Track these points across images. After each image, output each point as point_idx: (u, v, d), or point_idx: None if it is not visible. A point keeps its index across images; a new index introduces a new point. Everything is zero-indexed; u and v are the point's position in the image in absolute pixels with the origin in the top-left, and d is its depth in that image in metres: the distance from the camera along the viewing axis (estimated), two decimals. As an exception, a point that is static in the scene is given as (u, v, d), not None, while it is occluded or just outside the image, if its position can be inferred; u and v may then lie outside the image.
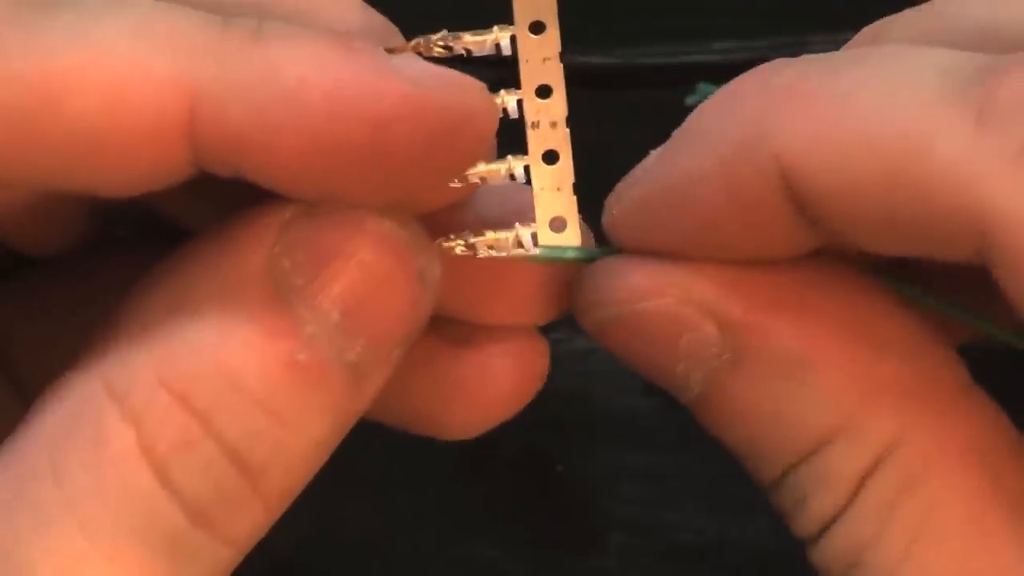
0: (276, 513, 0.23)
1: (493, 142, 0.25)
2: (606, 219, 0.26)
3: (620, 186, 0.26)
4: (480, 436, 0.28)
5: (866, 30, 0.26)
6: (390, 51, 0.23)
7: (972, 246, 0.21)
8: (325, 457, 0.24)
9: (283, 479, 0.23)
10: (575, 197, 0.26)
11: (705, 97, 0.50)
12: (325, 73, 0.21)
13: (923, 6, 0.25)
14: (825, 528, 0.24)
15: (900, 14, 0.26)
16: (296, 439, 0.23)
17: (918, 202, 0.21)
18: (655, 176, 0.25)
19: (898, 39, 0.25)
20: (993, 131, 0.20)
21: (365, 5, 0.25)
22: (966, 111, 0.21)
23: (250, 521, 0.23)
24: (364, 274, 0.23)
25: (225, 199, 0.24)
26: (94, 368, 0.22)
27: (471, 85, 0.23)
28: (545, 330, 0.28)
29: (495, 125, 0.23)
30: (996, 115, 0.21)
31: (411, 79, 0.22)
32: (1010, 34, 0.24)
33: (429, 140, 0.22)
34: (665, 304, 0.25)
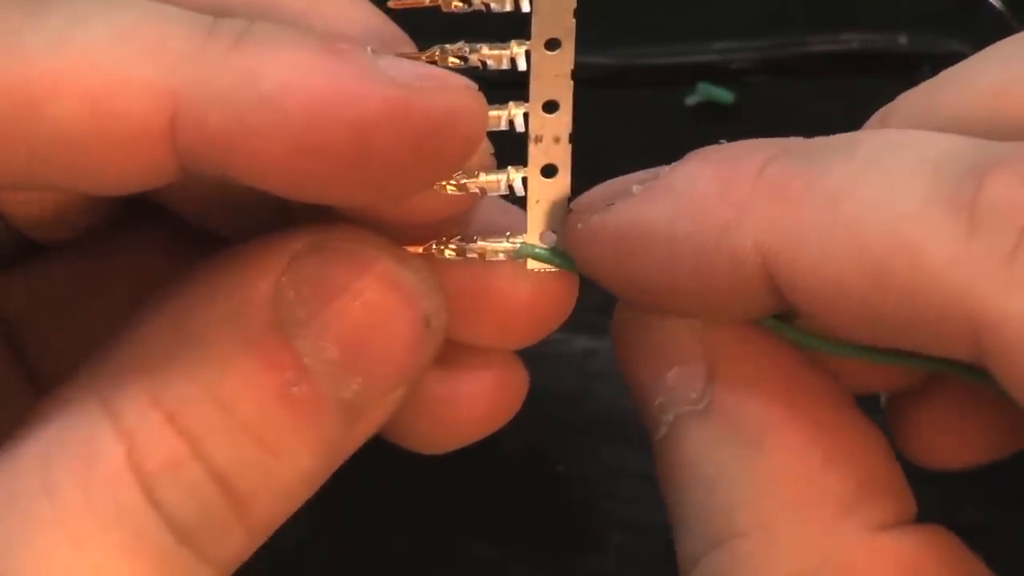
0: (259, 540, 0.23)
1: (488, 149, 0.25)
2: (568, 233, 0.25)
3: (589, 203, 0.25)
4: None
5: (877, 116, 0.25)
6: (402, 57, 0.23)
7: (966, 349, 0.21)
8: (311, 491, 0.23)
9: (267, 509, 0.23)
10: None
11: (705, 97, 0.50)
12: (305, 78, 0.21)
13: (939, 76, 0.25)
14: None
15: (918, 89, 0.25)
16: (284, 470, 0.23)
17: (908, 306, 0.21)
18: (630, 218, 0.24)
19: (907, 115, 0.24)
20: (983, 234, 0.20)
21: (378, 12, 0.25)
22: (957, 214, 0.20)
23: (233, 546, 0.23)
24: (368, 314, 0.23)
25: (241, 203, 0.24)
26: (91, 384, 0.23)
27: (457, 85, 0.22)
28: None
29: (483, 126, 0.23)
30: (986, 217, 0.20)
31: (394, 81, 0.21)
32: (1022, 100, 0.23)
33: (414, 143, 0.21)
34: (671, 324, 0.25)
